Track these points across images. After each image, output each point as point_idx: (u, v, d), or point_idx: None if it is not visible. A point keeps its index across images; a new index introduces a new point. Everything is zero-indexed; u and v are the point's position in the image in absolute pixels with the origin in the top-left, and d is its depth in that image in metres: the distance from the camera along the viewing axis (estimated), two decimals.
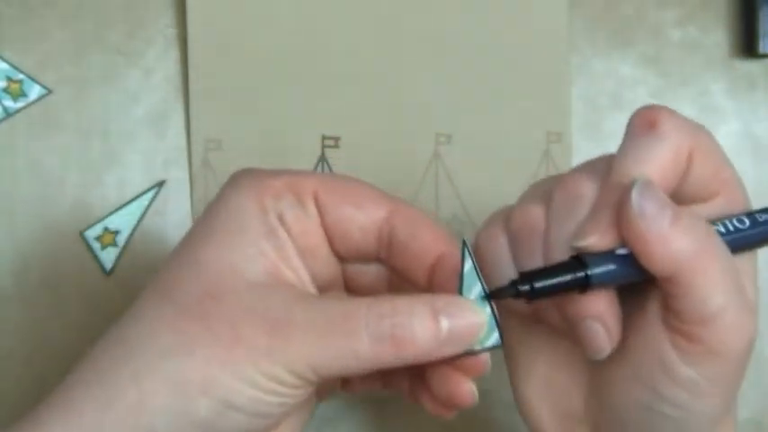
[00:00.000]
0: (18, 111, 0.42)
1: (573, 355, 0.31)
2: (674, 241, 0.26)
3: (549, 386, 0.32)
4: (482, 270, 0.30)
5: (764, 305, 0.45)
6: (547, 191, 0.30)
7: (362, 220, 0.31)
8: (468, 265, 0.29)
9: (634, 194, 0.26)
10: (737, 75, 0.46)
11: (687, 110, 0.46)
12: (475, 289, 0.29)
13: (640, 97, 0.46)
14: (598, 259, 0.27)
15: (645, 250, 0.26)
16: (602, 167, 0.29)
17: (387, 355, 0.28)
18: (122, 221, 0.43)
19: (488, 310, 0.29)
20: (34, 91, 0.43)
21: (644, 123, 0.28)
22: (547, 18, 0.45)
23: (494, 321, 0.29)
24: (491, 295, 0.29)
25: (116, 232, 0.43)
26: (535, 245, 0.29)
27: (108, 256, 0.43)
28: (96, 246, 0.43)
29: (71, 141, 0.43)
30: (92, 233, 0.43)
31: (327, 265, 0.32)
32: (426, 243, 0.31)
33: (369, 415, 0.44)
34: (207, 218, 0.30)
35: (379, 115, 0.44)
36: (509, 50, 0.44)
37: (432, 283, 0.31)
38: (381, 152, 0.43)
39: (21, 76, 0.42)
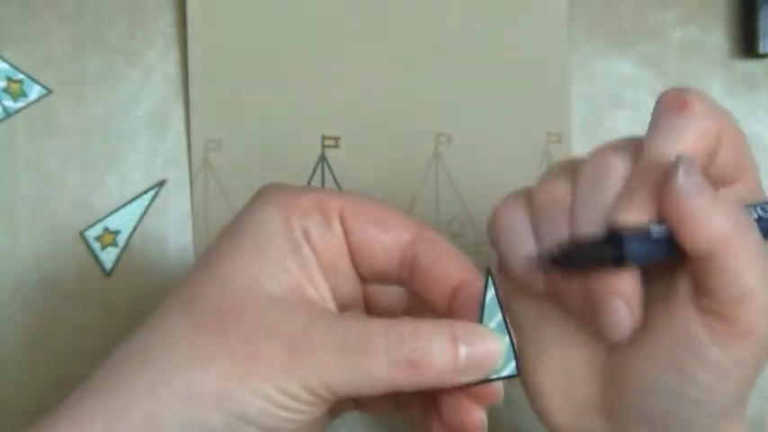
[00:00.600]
0: (18, 111, 0.42)
1: (588, 342, 0.31)
2: (713, 220, 0.26)
3: (562, 374, 0.32)
4: (499, 245, 0.30)
5: None
6: (571, 168, 0.30)
7: (387, 242, 0.31)
8: (491, 293, 0.29)
9: (681, 172, 0.26)
10: (737, 75, 0.46)
11: None
12: (495, 318, 0.29)
13: (640, 97, 0.46)
14: (633, 236, 0.27)
15: (685, 228, 0.27)
16: (630, 146, 0.29)
17: (403, 379, 0.28)
18: (122, 221, 0.43)
19: (507, 339, 0.29)
20: (34, 91, 0.43)
21: (674, 103, 0.28)
22: (547, 18, 0.45)
23: (512, 351, 0.29)
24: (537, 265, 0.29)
25: (116, 232, 0.43)
26: (560, 219, 0.29)
27: (108, 256, 0.43)
28: (96, 246, 0.43)
29: (71, 141, 0.43)
30: (92, 233, 0.43)
31: (349, 284, 0.32)
32: (448, 269, 0.31)
33: (369, 415, 0.44)
34: (233, 230, 0.30)
35: (379, 115, 0.44)
36: (509, 50, 0.44)
37: (451, 309, 0.31)
38: (381, 152, 0.43)
39: (21, 76, 0.42)
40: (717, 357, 0.28)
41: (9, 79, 0.42)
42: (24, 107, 0.42)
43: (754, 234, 0.27)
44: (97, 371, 0.29)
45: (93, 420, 0.28)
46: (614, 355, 0.31)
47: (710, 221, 0.26)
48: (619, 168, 0.29)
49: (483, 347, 0.29)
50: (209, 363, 0.28)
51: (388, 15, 0.44)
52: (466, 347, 0.29)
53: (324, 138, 0.43)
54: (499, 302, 0.29)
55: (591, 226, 0.28)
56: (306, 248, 0.30)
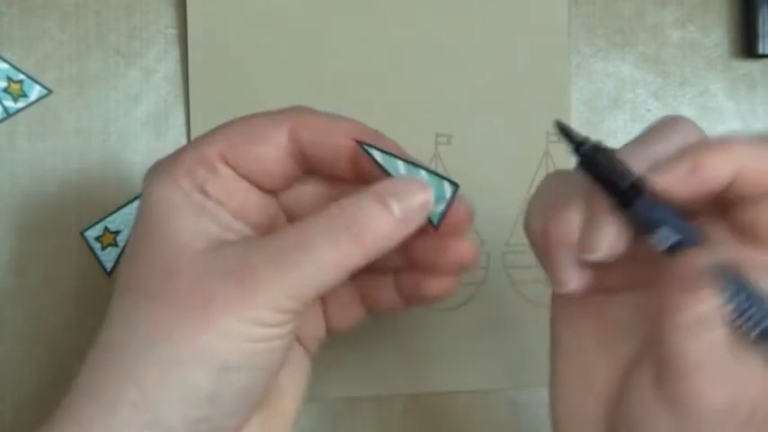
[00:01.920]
0: (18, 111, 0.42)
1: (607, 363, 0.31)
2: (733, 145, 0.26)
3: (583, 386, 0.32)
4: (534, 198, 0.30)
5: None
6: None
7: (271, 151, 0.31)
8: (376, 153, 0.30)
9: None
10: (737, 75, 0.46)
11: (687, 110, 0.46)
12: (398, 165, 0.30)
13: (640, 97, 0.46)
14: (651, 202, 0.27)
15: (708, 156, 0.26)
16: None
17: (354, 254, 0.29)
18: (122, 221, 0.43)
19: (422, 172, 0.30)
20: (34, 91, 0.43)
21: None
22: (547, 18, 0.45)
23: (436, 178, 0.30)
24: (561, 129, 0.29)
25: (116, 232, 0.43)
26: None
27: (108, 256, 0.43)
28: (96, 246, 0.43)
29: (71, 141, 0.43)
30: (92, 233, 0.43)
31: (266, 208, 0.32)
32: (337, 146, 0.31)
33: (369, 415, 0.44)
34: (139, 219, 0.31)
35: (379, 115, 0.43)
36: (509, 50, 0.44)
37: (359, 175, 0.32)
38: None
39: (21, 77, 0.42)
40: None
41: (9, 79, 0.42)
42: (24, 107, 0.42)
43: None
44: (82, 372, 0.30)
45: (90, 418, 0.28)
46: (629, 375, 0.30)
47: (731, 147, 0.27)
48: (690, 130, 0.28)
49: (406, 188, 0.30)
50: (170, 328, 0.28)
51: (389, 16, 0.44)
52: (393, 198, 0.29)
53: None
54: (390, 154, 0.30)
55: (639, 162, 0.28)
56: (209, 204, 0.30)
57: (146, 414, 0.28)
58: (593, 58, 0.46)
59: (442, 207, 0.30)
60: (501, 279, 0.43)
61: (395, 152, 0.31)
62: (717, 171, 0.27)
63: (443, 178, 0.30)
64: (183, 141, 0.43)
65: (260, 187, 0.32)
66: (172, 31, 0.43)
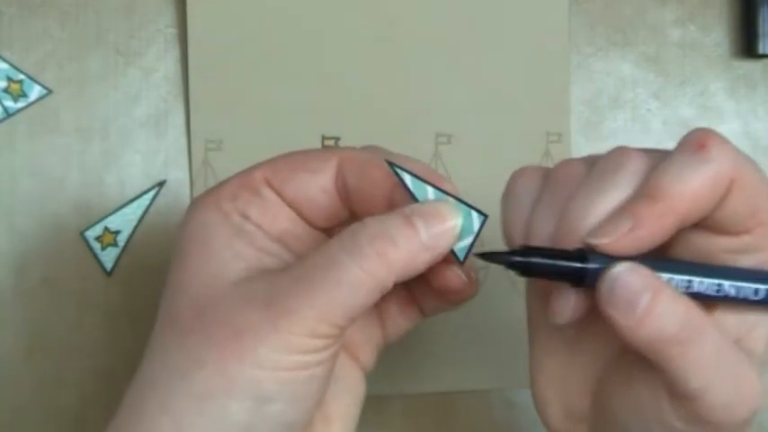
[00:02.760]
0: (18, 111, 0.42)
1: (587, 355, 0.31)
2: (649, 323, 0.26)
3: (561, 381, 0.32)
4: (505, 206, 0.30)
5: None
6: (594, 158, 0.30)
7: (319, 181, 0.31)
8: (407, 176, 0.30)
9: (604, 284, 0.27)
10: (737, 75, 0.46)
11: (687, 110, 0.46)
12: (428, 191, 0.30)
13: (640, 97, 0.46)
14: (601, 260, 0.27)
15: (618, 324, 0.27)
16: (654, 155, 0.29)
17: (379, 273, 0.28)
18: (122, 221, 0.43)
19: (451, 199, 0.30)
20: (34, 91, 0.43)
21: (693, 144, 0.28)
22: (547, 18, 0.45)
23: (465, 208, 0.30)
24: (486, 256, 0.29)
25: (116, 232, 0.43)
26: (567, 192, 0.29)
27: (108, 256, 0.43)
28: (96, 246, 0.43)
29: (71, 141, 0.43)
30: (92, 233, 0.43)
31: (310, 241, 0.32)
32: (376, 179, 0.30)
33: (369, 415, 0.44)
34: (178, 243, 0.30)
35: (379, 115, 0.44)
36: (509, 50, 0.44)
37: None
38: None
39: (21, 77, 0.42)
40: (682, 429, 0.28)
41: (9, 79, 0.42)
42: (24, 107, 0.42)
43: (703, 332, 0.27)
44: (119, 411, 0.29)
45: None
46: (606, 381, 0.31)
47: (646, 325, 0.26)
48: (634, 167, 0.28)
49: (434, 211, 0.29)
50: (203, 360, 0.28)
51: (389, 15, 0.44)
52: (420, 219, 0.28)
53: (324, 138, 0.43)
54: (420, 179, 0.30)
55: (584, 210, 0.28)
56: (248, 226, 0.30)
57: None
58: (594, 57, 0.46)
59: (468, 240, 0.30)
60: (501, 279, 0.43)
61: (430, 178, 0.30)
62: (659, 225, 0.27)
63: (472, 208, 0.30)
64: (183, 141, 0.43)
65: (306, 219, 0.31)
66: (172, 31, 0.43)
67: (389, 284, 0.28)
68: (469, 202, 0.29)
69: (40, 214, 0.42)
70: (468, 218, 0.30)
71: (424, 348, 0.44)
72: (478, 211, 0.30)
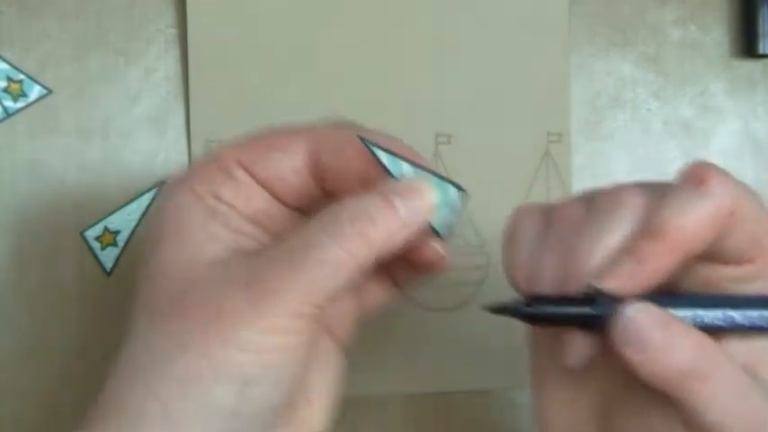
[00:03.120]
0: (18, 111, 0.42)
1: (594, 386, 0.31)
2: (666, 359, 0.27)
3: (567, 412, 0.32)
4: (508, 249, 0.30)
5: None
6: (592, 196, 0.30)
7: (290, 160, 0.31)
8: (382, 153, 0.30)
9: (619, 325, 0.27)
10: (737, 75, 0.46)
11: (687, 110, 0.46)
12: (404, 167, 0.30)
13: (640, 97, 0.46)
14: (608, 301, 0.27)
15: (634, 363, 0.27)
16: (653, 189, 0.29)
17: (360, 253, 0.28)
18: (122, 221, 0.43)
19: (428, 174, 0.30)
20: (34, 91, 0.43)
21: (693, 178, 0.28)
22: (547, 18, 0.45)
23: (442, 182, 0.30)
24: (495, 310, 0.29)
25: (116, 232, 0.43)
26: (569, 234, 0.29)
27: (108, 256, 0.43)
28: (96, 246, 0.43)
29: (71, 141, 0.43)
30: (92, 233, 0.43)
31: (285, 221, 0.32)
32: (350, 156, 0.31)
33: (369, 415, 0.44)
34: (152, 227, 0.31)
35: (379, 115, 0.43)
36: (509, 50, 0.44)
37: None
38: None
39: (21, 77, 0.42)
40: None
41: (9, 79, 0.42)
42: (24, 107, 0.42)
43: (718, 366, 0.27)
44: (105, 386, 0.29)
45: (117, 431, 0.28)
46: (615, 408, 0.30)
47: (662, 361, 0.27)
48: (634, 204, 0.28)
49: (411, 187, 0.29)
50: (186, 344, 0.28)
51: (389, 15, 0.44)
52: (398, 197, 0.29)
53: None
54: (395, 155, 0.30)
55: (587, 252, 0.28)
56: (223, 207, 0.30)
57: (170, 429, 0.28)
58: (593, 57, 0.46)
59: (446, 213, 0.30)
60: (501, 279, 0.43)
61: (404, 154, 0.30)
62: (663, 262, 0.27)
63: (449, 182, 0.30)
64: (183, 141, 0.43)
65: (279, 199, 0.32)
66: (172, 31, 0.43)
67: (370, 263, 0.29)
68: (445, 176, 0.30)
69: (40, 214, 0.42)
70: (444, 192, 0.30)
71: (423, 348, 0.44)
72: (455, 185, 0.30)
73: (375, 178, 0.30)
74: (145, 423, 0.28)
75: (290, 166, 0.31)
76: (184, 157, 0.43)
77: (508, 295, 0.30)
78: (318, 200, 0.32)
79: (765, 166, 0.46)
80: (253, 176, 0.31)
